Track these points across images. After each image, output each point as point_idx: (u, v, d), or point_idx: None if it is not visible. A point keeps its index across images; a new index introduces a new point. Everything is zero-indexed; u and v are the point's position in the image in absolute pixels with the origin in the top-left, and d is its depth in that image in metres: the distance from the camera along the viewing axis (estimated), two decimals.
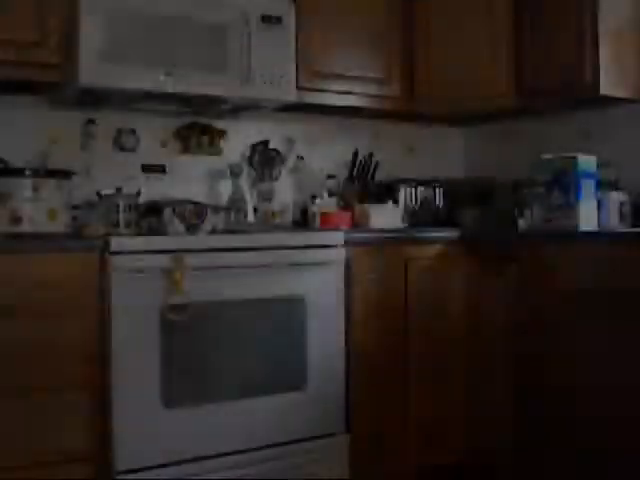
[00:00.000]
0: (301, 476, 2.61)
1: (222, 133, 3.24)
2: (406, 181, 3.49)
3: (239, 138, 3.34)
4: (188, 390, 2.43)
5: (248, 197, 3.09)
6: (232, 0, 2.82)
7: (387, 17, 3.30)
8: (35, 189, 2.35)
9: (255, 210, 3.15)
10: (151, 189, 2.93)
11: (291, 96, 2.98)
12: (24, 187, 2.35)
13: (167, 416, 2.38)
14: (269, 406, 2.57)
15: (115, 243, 2.32)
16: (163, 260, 2.36)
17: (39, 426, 2.21)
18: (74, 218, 2.61)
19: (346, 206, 3.32)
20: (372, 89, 3.28)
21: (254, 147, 3.30)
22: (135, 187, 2.82)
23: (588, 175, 2.83)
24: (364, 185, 3.37)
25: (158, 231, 2.68)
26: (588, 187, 2.82)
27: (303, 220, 3.32)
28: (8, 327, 2.17)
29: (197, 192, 3.08)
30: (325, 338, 2.69)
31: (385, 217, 3.21)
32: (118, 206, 2.57)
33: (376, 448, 2.83)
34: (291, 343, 2.63)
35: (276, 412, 2.58)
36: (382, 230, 3.03)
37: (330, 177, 3.51)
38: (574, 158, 2.81)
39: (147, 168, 3.01)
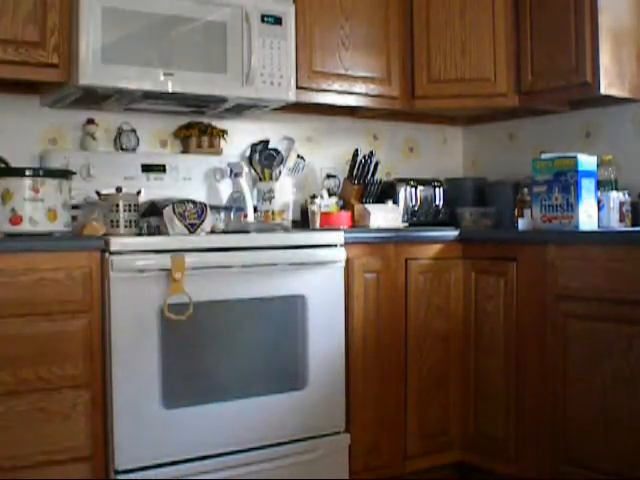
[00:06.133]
0: (301, 476, 2.61)
1: (222, 133, 3.24)
2: (406, 181, 3.49)
3: (239, 138, 3.34)
4: (188, 390, 2.43)
5: (248, 197, 3.08)
6: (232, 0, 2.82)
7: (387, 17, 3.30)
8: (35, 189, 2.35)
9: (255, 210, 3.15)
10: (151, 189, 2.93)
11: (291, 96, 2.98)
12: (24, 187, 2.34)
13: (167, 416, 2.38)
14: (269, 406, 2.57)
15: (115, 243, 2.32)
16: (163, 260, 2.36)
17: (39, 426, 2.21)
18: (74, 218, 2.61)
19: (346, 206, 3.32)
20: (372, 89, 3.28)
21: (254, 147, 3.30)
22: (135, 187, 2.82)
23: (588, 175, 2.83)
24: (364, 185, 3.37)
25: (158, 231, 2.68)
26: (588, 187, 2.82)
27: (303, 220, 3.32)
28: (8, 327, 2.17)
29: (197, 192, 3.08)
30: (325, 338, 2.69)
31: (385, 217, 3.21)
32: (118, 206, 2.57)
33: (376, 448, 2.83)
34: (291, 343, 2.63)
35: (276, 412, 2.58)
36: (382, 230, 3.03)
37: (330, 177, 3.51)
38: (574, 158, 2.81)
39: (147, 168, 3.01)
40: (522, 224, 3.04)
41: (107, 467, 2.32)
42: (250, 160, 3.29)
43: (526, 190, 3.13)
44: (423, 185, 3.51)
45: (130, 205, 2.59)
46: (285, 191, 3.21)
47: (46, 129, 2.92)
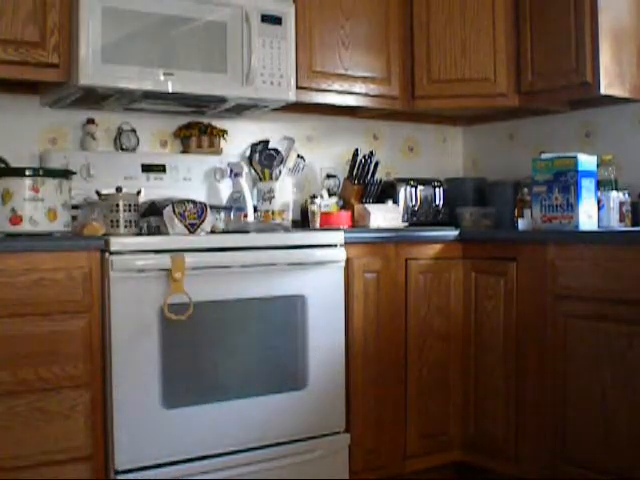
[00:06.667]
0: (301, 476, 2.61)
1: (222, 133, 3.24)
2: (406, 181, 3.49)
3: (239, 138, 3.34)
4: (188, 390, 2.43)
5: (248, 197, 3.08)
6: (232, 0, 2.82)
7: (387, 17, 3.30)
8: (35, 189, 2.35)
9: (255, 210, 3.15)
10: (151, 189, 2.93)
11: (291, 96, 2.99)
12: (24, 187, 2.34)
13: (167, 416, 2.38)
14: (269, 406, 2.57)
15: (115, 243, 2.32)
16: (163, 260, 2.36)
17: (38, 426, 2.21)
18: (74, 218, 2.61)
19: (346, 206, 3.32)
20: (372, 89, 3.28)
21: (254, 147, 3.30)
22: (135, 187, 2.82)
23: (588, 175, 2.83)
24: (364, 185, 3.37)
25: (158, 231, 2.68)
26: (588, 187, 2.82)
27: (303, 220, 3.32)
28: (8, 327, 2.17)
29: (197, 192, 3.08)
30: (325, 338, 2.69)
31: (385, 217, 3.21)
32: (118, 206, 2.57)
33: (376, 448, 2.83)
34: (291, 343, 2.63)
35: (276, 412, 2.58)
36: (382, 230, 3.03)
37: (330, 177, 3.51)
38: (574, 158, 2.81)
39: (147, 168, 3.01)
40: (522, 224, 3.05)
41: (107, 467, 2.32)
42: (250, 160, 3.29)
43: (526, 190, 3.13)
44: (423, 185, 3.51)
45: (130, 205, 2.59)
46: (285, 191, 3.21)
47: (46, 129, 2.93)
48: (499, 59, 3.27)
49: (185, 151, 3.19)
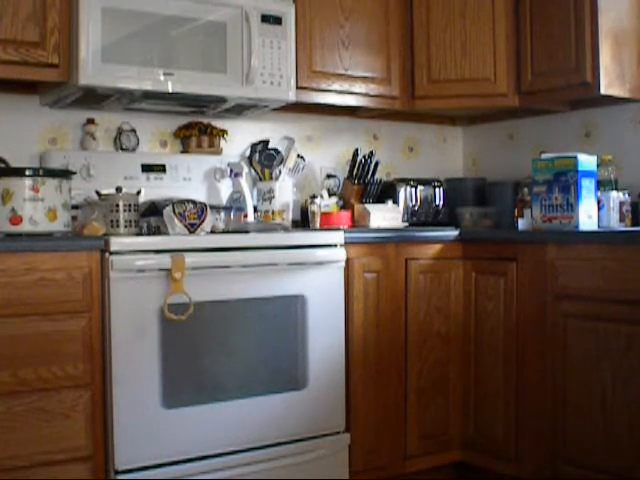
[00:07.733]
0: (301, 476, 2.61)
1: (222, 133, 3.24)
2: (406, 181, 3.50)
3: (239, 138, 3.34)
4: (188, 390, 2.43)
5: (248, 197, 3.08)
6: (232, 0, 2.82)
7: (387, 17, 3.30)
8: (35, 189, 2.35)
9: (255, 210, 3.15)
10: (151, 189, 2.93)
11: (291, 96, 2.99)
12: (24, 187, 2.34)
13: (167, 416, 2.38)
14: (269, 406, 2.57)
15: (115, 243, 2.32)
16: (163, 260, 2.36)
17: (39, 426, 2.21)
18: (74, 218, 2.61)
19: (346, 206, 3.32)
20: (372, 89, 3.28)
21: (254, 147, 3.30)
22: (135, 187, 2.82)
23: (588, 175, 2.83)
24: (364, 185, 3.37)
25: (158, 231, 2.68)
26: (588, 187, 2.82)
27: (303, 220, 3.32)
28: (8, 327, 2.17)
29: (197, 192, 3.08)
30: (325, 338, 2.69)
31: (385, 217, 3.21)
32: (118, 206, 2.57)
33: (376, 448, 2.83)
34: (291, 343, 2.63)
35: (276, 412, 2.58)
36: (382, 230, 3.03)
37: (330, 177, 3.51)
38: (574, 158, 2.81)
39: (147, 168, 3.01)
40: (522, 224, 3.05)
41: (107, 467, 2.32)
42: (250, 160, 3.29)
43: (526, 190, 3.13)
44: (423, 185, 3.51)
45: (130, 205, 2.59)
46: (285, 191, 3.21)
47: (46, 129, 2.93)
48: (499, 59, 3.27)
49: (185, 151, 3.19)
